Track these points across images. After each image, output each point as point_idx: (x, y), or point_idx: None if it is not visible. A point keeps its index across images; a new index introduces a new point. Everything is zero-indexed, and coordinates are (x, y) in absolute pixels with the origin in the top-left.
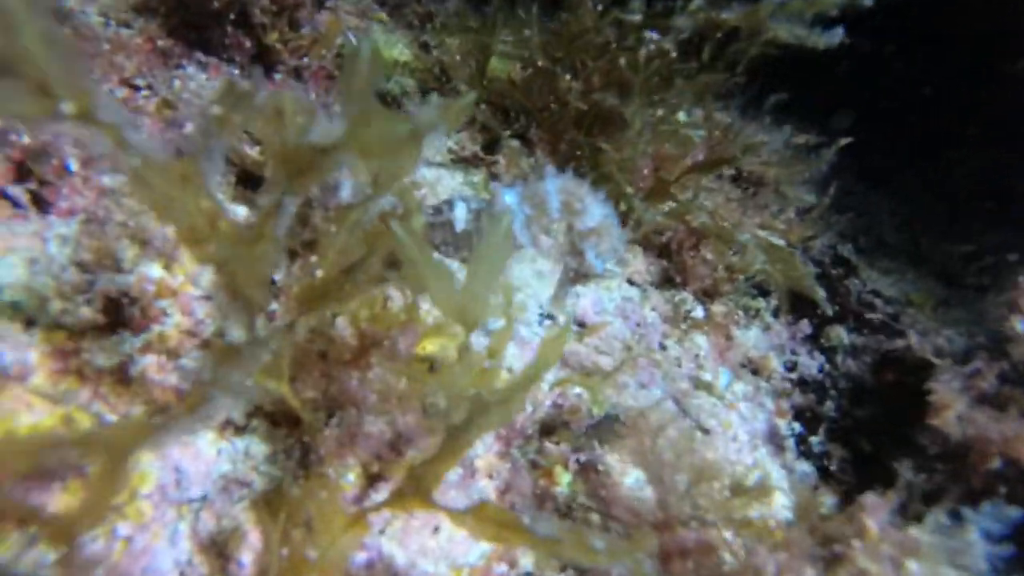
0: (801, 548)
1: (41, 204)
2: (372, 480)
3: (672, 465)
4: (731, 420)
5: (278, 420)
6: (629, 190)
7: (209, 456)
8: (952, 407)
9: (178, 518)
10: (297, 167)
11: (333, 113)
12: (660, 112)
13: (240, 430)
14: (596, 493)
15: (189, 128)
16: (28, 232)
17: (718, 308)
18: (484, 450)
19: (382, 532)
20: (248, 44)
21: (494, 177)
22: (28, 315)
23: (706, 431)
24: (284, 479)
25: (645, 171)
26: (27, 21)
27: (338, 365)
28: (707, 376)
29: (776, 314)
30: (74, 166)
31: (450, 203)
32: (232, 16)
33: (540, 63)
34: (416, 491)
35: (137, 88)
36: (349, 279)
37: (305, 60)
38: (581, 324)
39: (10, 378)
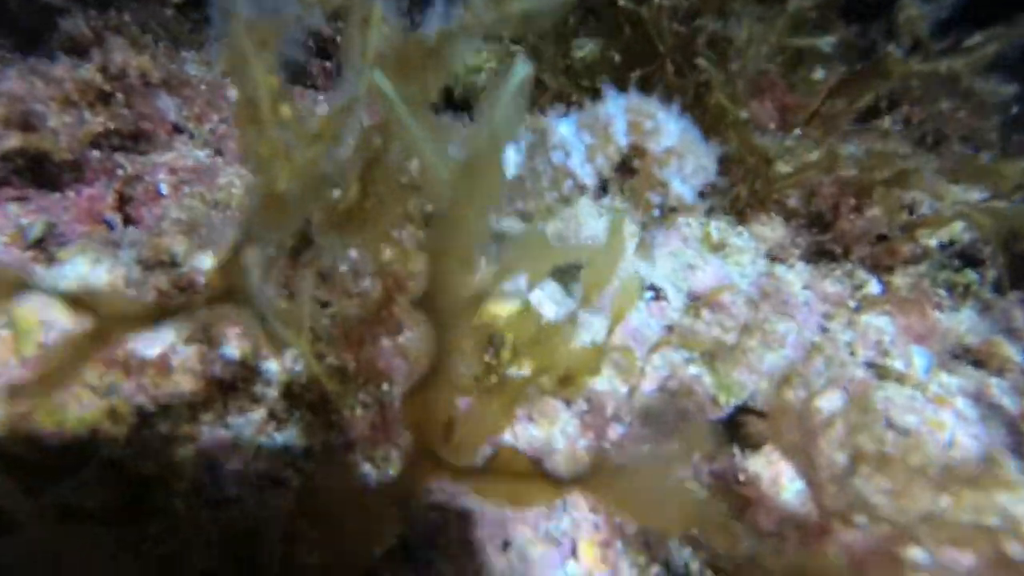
0: None
1: (131, 222)
2: None
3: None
4: (943, 420)
5: (317, 408)
6: (743, 115)
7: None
8: None
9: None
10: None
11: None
12: (771, 31)
13: (281, 423)
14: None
15: None
16: (107, 239)
17: (901, 280)
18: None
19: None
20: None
21: None
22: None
23: (903, 432)
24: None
25: (772, 125)
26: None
27: (363, 324)
28: (895, 363)
29: (998, 288)
30: (166, 190)
31: None
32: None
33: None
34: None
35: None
36: (370, 194)
37: None
38: (697, 299)
39: None
